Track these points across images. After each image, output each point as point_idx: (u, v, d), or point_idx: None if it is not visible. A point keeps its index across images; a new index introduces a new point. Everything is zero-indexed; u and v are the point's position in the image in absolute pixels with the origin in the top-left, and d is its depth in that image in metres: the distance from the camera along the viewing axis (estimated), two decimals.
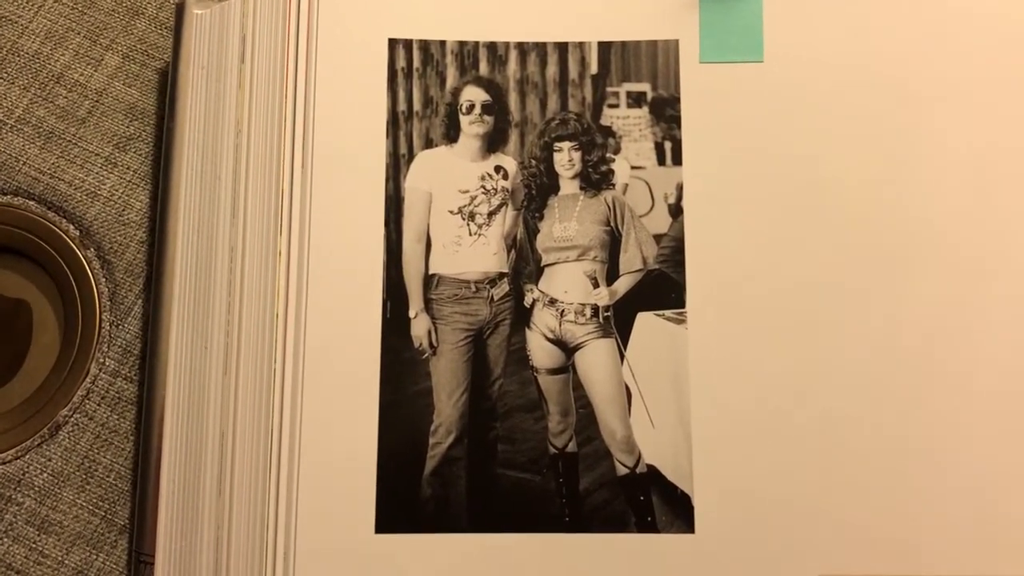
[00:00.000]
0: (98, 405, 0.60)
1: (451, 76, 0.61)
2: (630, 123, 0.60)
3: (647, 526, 0.56)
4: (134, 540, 0.57)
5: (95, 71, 0.64)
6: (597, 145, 0.60)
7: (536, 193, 0.60)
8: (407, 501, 0.56)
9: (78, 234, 0.62)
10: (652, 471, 0.56)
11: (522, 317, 0.60)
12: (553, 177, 0.60)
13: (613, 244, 0.60)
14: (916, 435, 0.56)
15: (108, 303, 0.61)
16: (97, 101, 0.64)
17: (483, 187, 0.60)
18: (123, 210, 0.62)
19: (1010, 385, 0.56)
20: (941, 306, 0.57)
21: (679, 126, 0.60)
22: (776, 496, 0.56)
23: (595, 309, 0.59)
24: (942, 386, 0.56)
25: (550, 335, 0.59)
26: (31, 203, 0.62)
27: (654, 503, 0.56)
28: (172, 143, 0.60)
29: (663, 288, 0.58)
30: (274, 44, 0.60)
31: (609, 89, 0.60)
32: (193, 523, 0.56)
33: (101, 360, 0.60)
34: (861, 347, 0.57)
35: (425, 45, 0.61)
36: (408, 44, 0.61)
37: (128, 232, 0.62)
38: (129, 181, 0.63)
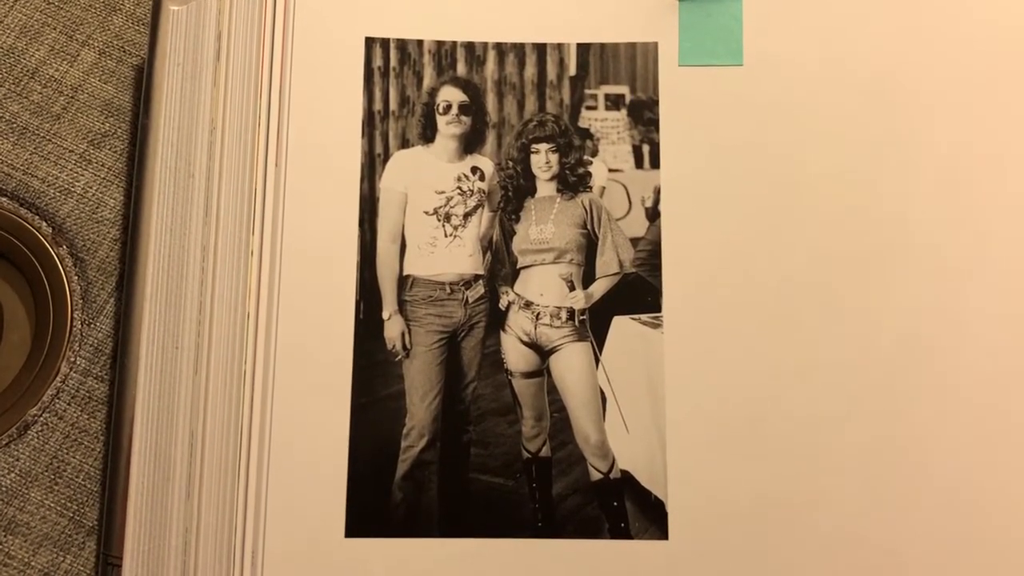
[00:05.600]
0: (68, 405, 0.59)
1: (428, 76, 0.60)
2: (608, 126, 0.60)
3: (620, 532, 0.55)
4: (102, 542, 0.57)
5: (71, 67, 0.64)
6: (574, 147, 0.60)
7: (513, 195, 0.60)
8: (378, 505, 0.55)
9: (51, 231, 0.61)
10: (626, 476, 0.56)
11: (497, 320, 0.59)
12: (530, 179, 0.60)
13: (589, 247, 0.59)
14: (895, 440, 0.56)
15: (80, 301, 0.60)
16: (72, 97, 0.63)
17: (459, 188, 0.60)
18: (97, 207, 0.62)
19: (991, 387, 0.56)
20: (921, 310, 0.57)
21: (657, 129, 0.59)
22: (752, 503, 0.55)
23: (571, 312, 0.59)
24: (922, 390, 0.56)
25: (525, 338, 0.59)
26: (3, 199, 0.62)
27: (628, 509, 0.55)
28: (147, 140, 0.60)
29: (639, 292, 0.58)
30: (250, 42, 0.60)
31: (587, 91, 0.60)
32: (161, 525, 0.55)
33: (72, 359, 0.59)
34: (840, 351, 0.57)
35: (402, 44, 0.60)
36: (385, 43, 0.60)
37: (101, 230, 0.61)
38: (103, 178, 0.62)
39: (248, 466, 0.55)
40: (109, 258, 0.61)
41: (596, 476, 0.56)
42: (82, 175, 0.62)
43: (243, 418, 0.56)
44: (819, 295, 0.57)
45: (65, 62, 0.64)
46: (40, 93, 0.63)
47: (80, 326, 0.60)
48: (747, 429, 0.56)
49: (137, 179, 0.59)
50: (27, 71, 0.64)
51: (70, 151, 0.63)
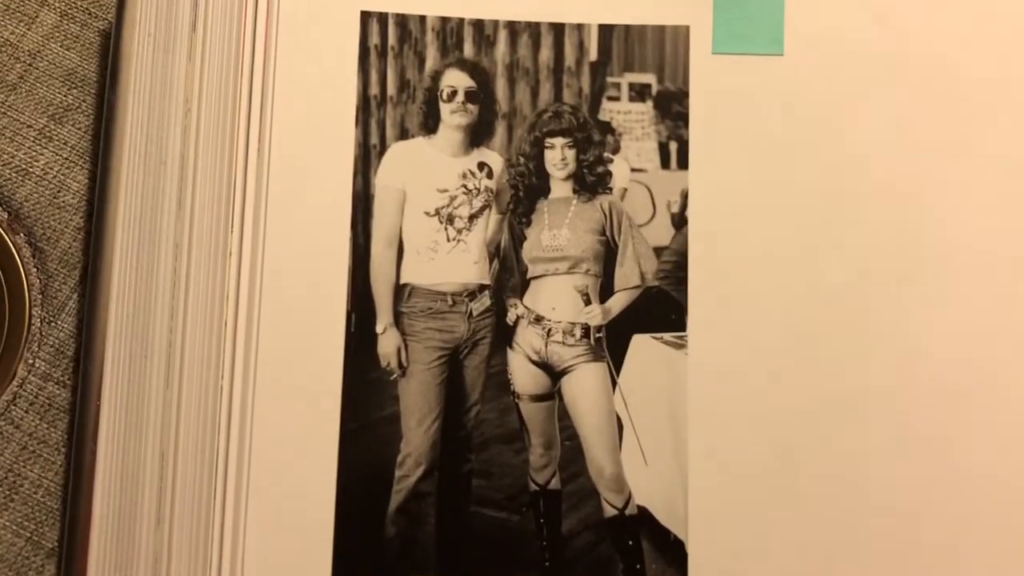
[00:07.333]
0: (26, 412, 0.56)
1: (431, 57, 0.58)
2: (632, 119, 0.58)
3: (635, 574, 0.54)
4: (63, 565, 0.54)
5: (28, 30, 0.60)
6: (594, 143, 0.58)
7: (524, 195, 0.58)
8: (369, 541, 0.54)
9: (6, 217, 0.58)
10: (643, 513, 0.55)
11: (504, 336, 0.57)
12: (543, 177, 0.58)
13: (608, 256, 0.58)
14: (933, 483, 0.54)
15: (39, 296, 0.57)
16: (30, 64, 0.60)
17: (464, 186, 0.58)
18: (58, 191, 0.58)
19: None
20: (965, 340, 0.55)
21: (686, 124, 0.57)
22: (778, 544, 0.53)
23: (586, 329, 0.57)
24: (971, 422, 0.54)
25: (535, 357, 0.57)
26: None
27: (644, 549, 0.54)
28: (113, 118, 0.57)
29: (662, 308, 0.56)
30: (230, 11, 0.57)
31: (609, 79, 0.58)
32: (129, 553, 0.53)
33: (30, 361, 0.57)
34: (882, 378, 0.55)
35: (402, 20, 0.58)
36: (383, 18, 0.58)
37: (63, 216, 0.58)
38: (66, 158, 0.59)
39: (225, 495, 0.53)
40: (72, 249, 0.58)
41: (610, 512, 0.55)
42: (42, 154, 0.59)
43: (219, 441, 0.54)
44: (860, 315, 0.55)
45: (22, 24, 0.60)
46: None
47: (39, 324, 0.57)
48: (777, 463, 0.54)
49: (103, 163, 0.56)
50: None
51: (28, 126, 0.59)
